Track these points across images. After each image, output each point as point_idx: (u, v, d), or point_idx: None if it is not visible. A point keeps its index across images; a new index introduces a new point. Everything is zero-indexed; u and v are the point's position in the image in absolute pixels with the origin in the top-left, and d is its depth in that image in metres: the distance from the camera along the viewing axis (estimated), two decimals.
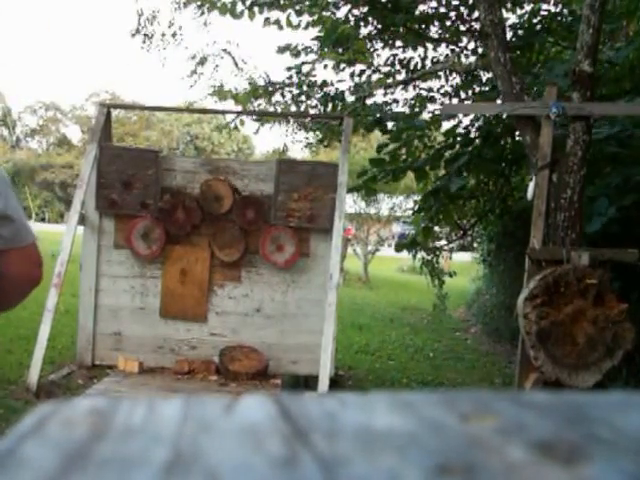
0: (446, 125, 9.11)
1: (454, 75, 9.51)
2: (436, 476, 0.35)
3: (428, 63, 9.55)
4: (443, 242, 9.77)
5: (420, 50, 9.40)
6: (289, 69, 9.38)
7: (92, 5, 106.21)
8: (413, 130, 7.69)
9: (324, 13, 8.64)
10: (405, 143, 7.98)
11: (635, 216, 5.89)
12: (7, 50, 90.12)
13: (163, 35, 11.11)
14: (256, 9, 8.28)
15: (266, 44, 12.80)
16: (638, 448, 0.39)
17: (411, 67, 9.53)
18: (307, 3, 8.62)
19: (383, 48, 9.18)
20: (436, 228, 8.90)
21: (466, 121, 8.47)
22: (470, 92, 9.29)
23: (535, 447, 0.38)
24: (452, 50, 9.28)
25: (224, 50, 10.84)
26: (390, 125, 8.38)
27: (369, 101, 9.54)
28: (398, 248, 8.75)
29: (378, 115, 8.51)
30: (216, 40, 10.84)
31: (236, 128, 10.25)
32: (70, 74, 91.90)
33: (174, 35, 11.18)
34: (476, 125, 8.27)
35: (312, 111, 9.86)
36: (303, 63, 9.30)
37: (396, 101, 9.80)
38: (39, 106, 55.69)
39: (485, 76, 9.05)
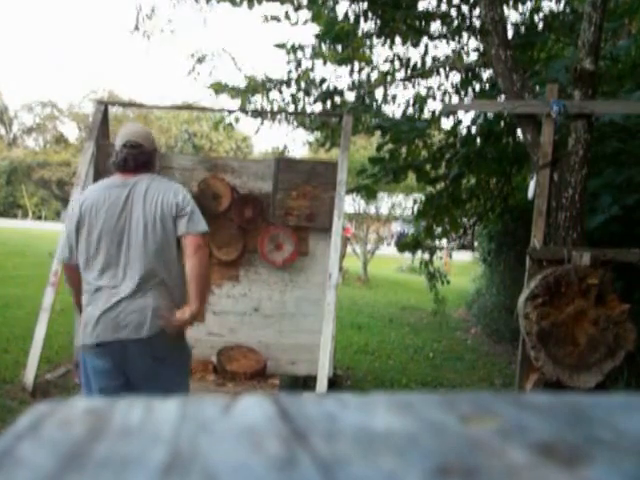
0: (447, 124, 9.12)
1: (454, 73, 9.52)
2: (436, 478, 0.35)
3: (428, 61, 9.56)
4: (443, 241, 9.76)
5: (420, 47, 9.41)
6: (289, 62, 9.37)
7: (90, 1, 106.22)
8: (415, 132, 7.69)
9: (324, 10, 8.63)
10: (406, 142, 7.98)
11: (638, 216, 5.88)
12: (3, 47, 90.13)
13: (162, 31, 11.12)
14: (255, 1, 8.28)
15: (264, 42, 12.83)
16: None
17: (411, 65, 9.54)
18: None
19: (383, 45, 9.18)
20: (437, 228, 8.89)
21: (467, 120, 8.48)
22: (470, 90, 9.29)
23: (536, 449, 0.38)
24: (453, 48, 9.29)
25: (223, 50, 10.85)
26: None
27: (369, 99, 9.54)
28: (400, 249, 8.74)
29: (378, 120, 8.49)
30: (214, 39, 10.90)
31: (230, 125, 10.19)
32: (67, 71, 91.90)
33: (173, 32, 11.21)
34: (477, 123, 8.27)
35: (310, 109, 9.86)
36: (301, 60, 9.29)
37: (394, 97, 9.80)
38: (36, 104, 55.70)
39: (486, 74, 9.06)
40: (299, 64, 9.30)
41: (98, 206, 3.33)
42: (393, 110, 9.90)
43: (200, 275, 3.28)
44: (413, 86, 9.94)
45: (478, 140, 8.11)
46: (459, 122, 8.37)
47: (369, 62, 9.54)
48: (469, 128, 8.32)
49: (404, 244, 8.70)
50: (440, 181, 8.21)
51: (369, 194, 8.54)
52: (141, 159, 3.42)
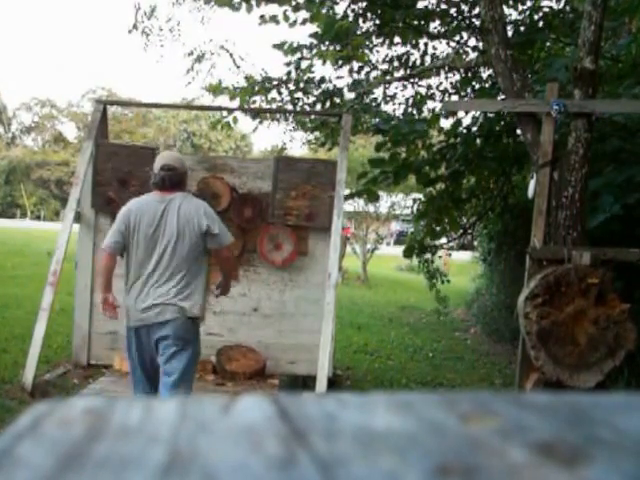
0: (446, 124, 9.10)
1: (454, 72, 9.51)
2: (436, 477, 0.35)
3: (427, 60, 9.55)
4: (443, 240, 9.75)
5: (419, 47, 9.40)
6: (288, 64, 9.35)
7: (89, 1, 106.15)
8: (414, 134, 7.66)
9: (322, 10, 8.61)
10: (405, 144, 7.96)
11: (638, 215, 5.87)
12: (2, 46, 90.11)
13: (161, 30, 11.10)
14: (254, 2, 8.25)
15: (264, 41, 12.75)
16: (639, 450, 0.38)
17: (410, 64, 9.53)
18: None
19: (382, 45, 9.17)
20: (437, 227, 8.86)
21: (467, 120, 8.46)
22: (470, 89, 9.29)
23: (536, 448, 0.38)
24: (452, 47, 9.28)
25: (222, 47, 10.81)
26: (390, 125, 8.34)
27: (368, 99, 9.53)
28: (406, 254, 8.72)
29: (377, 122, 8.47)
30: (213, 37, 10.83)
31: (228, 124, 10.16)
32: (66, 70, 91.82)
33: (172, 30, 11.18)
34: (477, 124, 8.25)
35: (310, 109, 9.84)
36: (301, 58, 9.27)
37: (394, 97, 9.80)
38: (34, 103, 55.64)
39: (485, 73, 9.05)
40: (298, 65, 9.28)
41: (140, 216, 4.25)
42: (394, 108, 9.82)
43: (229, 271, 4.72)
44: (412, 85, 9.94)
45: (478, 141, 8.09)
46: (459, 122, 8.36)
47: (368, 62, 9.53)
48: (469, 128, 8.30)
49: (409, 249, 8.67)
50: (439, 182, 8.18)
51: (371, 197, 8.52)
52: (175, 179, 4.30)
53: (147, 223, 4.23)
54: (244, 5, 8.29)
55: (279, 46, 9.08)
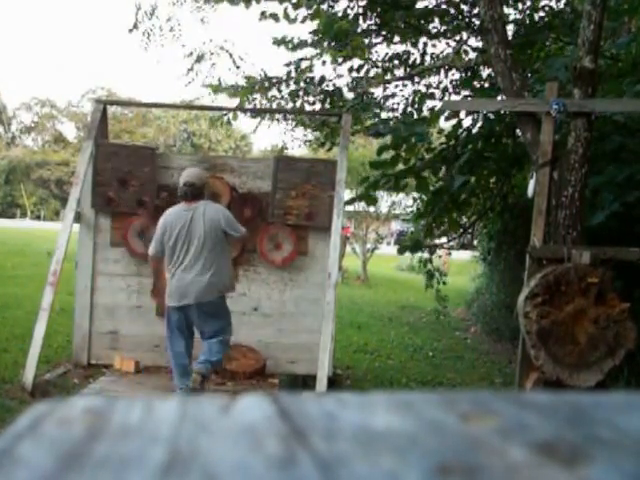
0: (446, 125, 9.08)
1: (453, 71, 9.50)
2: (436, 477, 0.35)
3: (427, 59, 9.54)
4: (443, 240, 9.73)
5: (419, 46, 9.39)
6: (288, 65, 9.34)
7: (89, 1, 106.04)
8: (415, 137, 7.64)
9: (322, 6, 8.60)
10: (406, 144, 7.95)
11: (638, 214, 5.87)
12: (2, 46, 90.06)
13: (161, 29, 11.09)
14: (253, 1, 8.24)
15: (263, 40, 12.75)
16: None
17: (410, 63, 9.52)
18: None
19: (382, 44, 9.16)
20: (436, 227, 8.84)
21: (467, 122, 8.44)
22: (470, 89, 9.27)
23: (536, 448, 0.38)
24: (452, 47, 9.27)
25: (221, 48, 10.81)
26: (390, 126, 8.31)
27: (367, 98, 9.52)
28: (401, 251, 8.71)
29: (377, 125, 8.45)
30: (213, 37, 10.82)
31: (229, 122, 10.15)
32: (66, 70, 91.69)
33: (172, 30, 11.17)
34: (477, 126, 8.24)
35: (309, 108, 9.84)
36: (302, 59, 9.26)
37: (393, 96, 9.79)
38: (34, 103, 55.61)
39: (485, 72, 9.04)
40: (298, 65, 9.27)
41: (174, 222, 5.39)
42: (393, 108, 9.80)
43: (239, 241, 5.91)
44: (412, 84, 9.93)
45: (479, 142, 8.07)
46: (459, 123, 8.34)
47: (367, 60, 9.52)
48: (469, 130, 8.29)
49: (404, 246, 8.66)
50: (442, 194, 8.14)
51: (370, 202, 8.52)
52: (195, 192, 5.42)
53: (180, 227, 5.36)
54: (242, 1, 8.30)
55: (280, 42, 9.07)
